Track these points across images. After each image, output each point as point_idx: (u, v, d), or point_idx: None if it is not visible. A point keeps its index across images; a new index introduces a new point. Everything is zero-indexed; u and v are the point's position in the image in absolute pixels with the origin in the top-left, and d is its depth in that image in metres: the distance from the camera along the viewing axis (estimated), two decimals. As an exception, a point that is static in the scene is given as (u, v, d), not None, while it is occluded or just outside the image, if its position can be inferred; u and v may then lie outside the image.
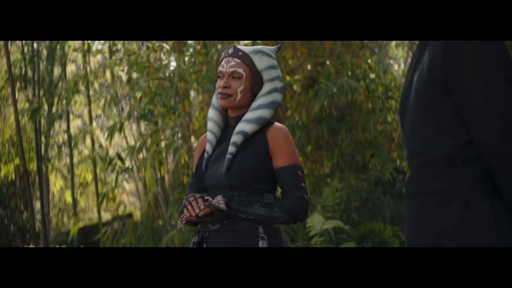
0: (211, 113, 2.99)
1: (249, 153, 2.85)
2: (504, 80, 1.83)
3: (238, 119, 2.93)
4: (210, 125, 2.97)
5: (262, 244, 2.76)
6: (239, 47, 2.94)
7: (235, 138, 2.85)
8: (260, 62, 2.91)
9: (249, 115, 2.88)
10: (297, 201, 2.82)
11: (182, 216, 2.78)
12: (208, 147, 2.93)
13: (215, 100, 3.00)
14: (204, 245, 2.84)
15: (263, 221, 2.79)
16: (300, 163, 2.89)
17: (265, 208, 2.78)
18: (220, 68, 2.92)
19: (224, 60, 2.93)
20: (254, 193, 2.82)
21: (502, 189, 1.85)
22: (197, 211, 2.71)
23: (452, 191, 1.90)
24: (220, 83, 2.90)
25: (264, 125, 2.90)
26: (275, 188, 2.92)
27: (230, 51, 2.93)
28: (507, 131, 1.81)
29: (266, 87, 2.92)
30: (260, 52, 2.93)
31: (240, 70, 2.88)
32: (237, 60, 2.90)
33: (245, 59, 2.90)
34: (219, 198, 2.75)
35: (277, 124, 2.93)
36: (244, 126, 2.86)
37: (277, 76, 2.94)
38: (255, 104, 2.90)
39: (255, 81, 2.91)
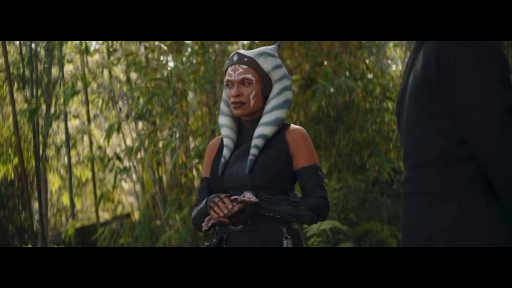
0: (223, 120, 2.98)
1: (271, 154, 2.86)
2: (496, 79, 1.83)
3: (253, 122, 2.93)
4: (225, 131, 2.96)
5: (286, 243, 2.78)
6: (242, 52, 2.93)
7: (257, 141, 2.86)
8: (266, 64, 2.91)
9: (265, 118, 2.88)
10: (320, 200, 2.84)
11: (208, 217, 2.77)
12: (226, 152, 2.91)
13: (224, 107, 2.99)
14: (224, 246, 2.83)
15: (288, 219, 2.80)
16: (319, 163, 2.92)
17: (292, 206, 2.80)
18: (227, 77, 2.90)
19: (230, 69, 2.90)
20: (276, 193, 2.83)
21: (496, 189, 1.85)
22: (225, 211, 2.70)
23: (446, 191, 1.90)
24: (231, 92, 2.88)
25: (283, 127, 2.93)
26: (293, 189, 2.93)
27: (235, 58, 2.91)
28: (499, 131, 1.82)
29: (276, 87, 2.92)
30: (264, 54, 2.92)
31: (249, 76, 2.87)
32: (244, 66, 2.88)
33: (252, 63, 2.89)
34: (248, 194, 2.74)
35: (295, 126, 2.95)
36: (263, 130, 2.87)
37: (284, 74, 2.95)
38: (268, 106, 2.90)
39: (265, 84, 2.90)
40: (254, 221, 2.79)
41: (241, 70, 2.87)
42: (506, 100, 1.82)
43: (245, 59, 2.89)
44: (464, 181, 1.89)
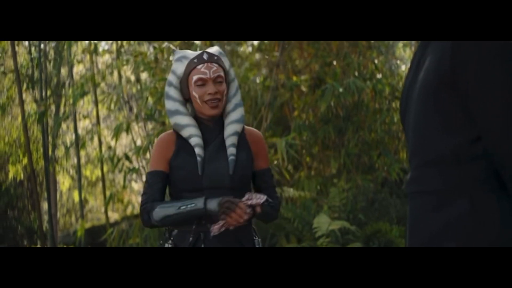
0: (187, 120, 2.92)
1: (244, 154, 2.92)
2: None
3: (217, 120, 2.94)
4: (192, 130, 2.90)
5: (257, 242, 2.91)
6: (209, 51, 2.95)
7: (233, 139, 2.89)
8: (226, 64, 2.98)
9: (233, 115, 2.94)
10: (278, 201, 3.01)
11: (222, 223, 2.75)
12: (199, 150, 2.87)
13: (179, 106, 2.94)
14: (202, 246, 2.84)
15: (266, 219, 2.96)
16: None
17: (271, 207, 2.93)
18: (201, 76, 2.87)
19: (203, 67, 2.89)
20: (245, 192, 2.85)
21: (509, 187, 1.84)
22: (246, 217, 2.72)
23: (457, 189, 1.89)
24: (206, 90, 2.87)
25: None
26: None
27: (205, 56, 2.91)
28: None
29: (233, 87, 3.00)
30: (222, 54, 2.99)
31: (222, 74, 2.91)
32: (215, 64, 2.91)
33: (220, 62, 2.94)
34: (255, 195, 2.77)
35: (250, 127, 3.06)
36: (236, 127, 2.92)
37: (234, 75, 3.03)
38: (231, 104, 2.95)
39: (227, 82, 2.97)
40: None
41: (215, 68, 2.90)
42: None
43: (215, 57, 2.93)
44: (475, 180, 1.87)
